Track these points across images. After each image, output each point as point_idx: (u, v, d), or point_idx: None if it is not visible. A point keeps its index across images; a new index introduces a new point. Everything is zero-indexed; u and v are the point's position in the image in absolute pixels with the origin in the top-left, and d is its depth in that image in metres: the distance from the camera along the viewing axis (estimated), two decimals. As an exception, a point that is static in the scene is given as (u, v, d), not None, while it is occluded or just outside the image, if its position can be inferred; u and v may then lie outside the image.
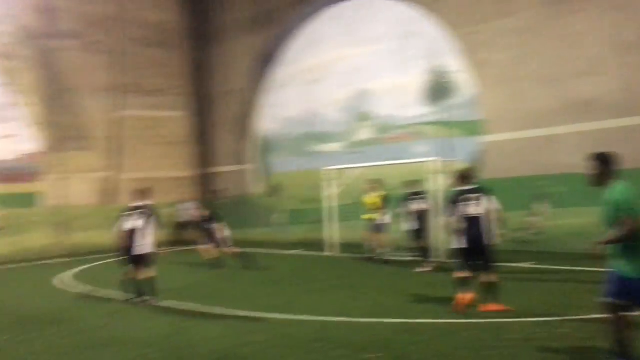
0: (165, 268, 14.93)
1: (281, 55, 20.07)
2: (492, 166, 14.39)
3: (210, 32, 22.54)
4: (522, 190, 13.82)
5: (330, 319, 7.80)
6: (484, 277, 7.80)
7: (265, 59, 20.44)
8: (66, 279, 13.16)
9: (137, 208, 9.60)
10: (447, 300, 8.09)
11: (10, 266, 16.51)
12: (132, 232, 9.42)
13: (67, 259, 17.44)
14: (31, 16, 19.00)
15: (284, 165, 20.17)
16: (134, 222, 9.44)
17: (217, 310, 8.80)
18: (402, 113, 16.64)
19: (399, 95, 16.65)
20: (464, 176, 8.16)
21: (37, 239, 18.60)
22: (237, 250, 14.18)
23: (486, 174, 13.63)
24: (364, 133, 17.78)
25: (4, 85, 18.41)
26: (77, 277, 13.60)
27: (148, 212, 9.61)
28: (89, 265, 15.74)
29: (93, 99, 20.06)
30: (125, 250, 9.52)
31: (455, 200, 7.93)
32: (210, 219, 14.28)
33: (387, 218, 13.55)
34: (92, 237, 19.27)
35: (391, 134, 16.97)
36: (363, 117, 17.73)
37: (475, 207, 7.82)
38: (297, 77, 19.55)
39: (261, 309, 8.59)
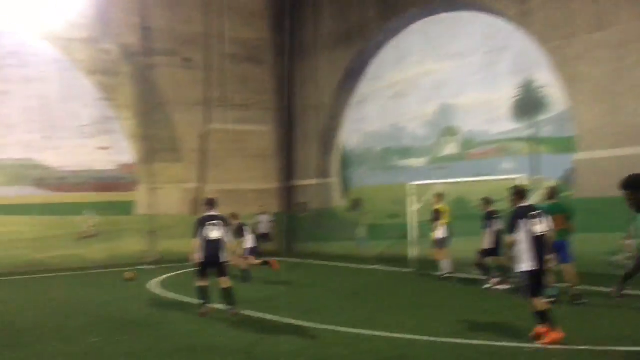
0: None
1: (366, 70, 20.15)
2: (585, 185, 13.70)
3: (297, 48, 23.03)
4: (617, 212, 13.03)
5: (412, 337, 7.65)
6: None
7: (350, 74, 20.60)
8: (155, 285, 13.71)
9: (213, 218, 9.73)
10: (527, 322, 7.70)
11: (104, 270, 17.43)
12: (215, 242, 9.60)
13: (156, 266, 18.20)
14: (130, 35, 20.17)
15: (366, 179, 20.15)
16: (217, 232, 9.61)
17: (298, 322, 8.86)
18: (489, 128, 16.21)
19: (486, 110, 16.24)
20: (522, 193, 7.74)
21: (130, 245, 19.58)
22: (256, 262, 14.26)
23: (578, 193, 12.98)
24: (449, 148, 17.46)
25: (103, 100, 19.61)
26: (165, 283, 14.14)
27: (225, 223, 9.86)
28: (176, 273, 16.34)
29: (184, 113, 20.97)
30: (208, 259, 9.64)
31: (520, 216, 7.37)
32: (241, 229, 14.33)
33: (442, 232, 13.41)
34: (179, 246, 20.02)
35: (477, 150, 16.56)
36: (448, 132, 17.43)
37: (541, 225, 7.31)
38: (381, 91, 19.55)
39: (342, 324, 8.56)
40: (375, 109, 19.78)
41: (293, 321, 8.94)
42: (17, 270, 17.07)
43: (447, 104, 17.37)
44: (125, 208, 19.74)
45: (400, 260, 15.97)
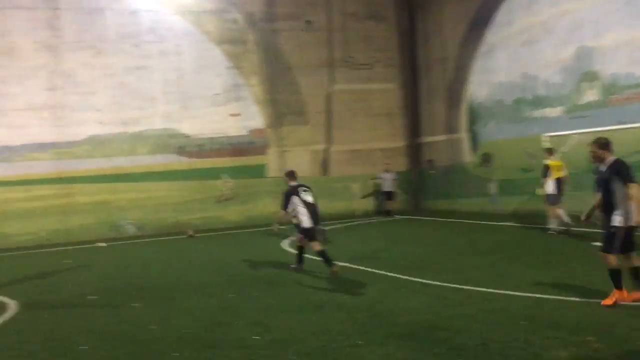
0: (370, 236, 15.44)
1: (493, 18, 19.02)
2: None
3: (419, 1, 22.29)
4: None
5: (541, 296, 7.30)
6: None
7: (477, 23, 19.59)
8: (287, 244, 14.29)
9: (302, 186, 10.24)
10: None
11: (240, 231, 18.48)
12: (314, 205, 10.06)
13: (288, 226, 18.89)
14: (253, 3, 20.68)
15: (496, 133, 19.24)
16: (311, 197, 10.13)
17: (425, 280, 8.81)
18: (634, 70, 14.66)
19: (631, 50, 14.67)
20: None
21: (264, 207, 20.49)
22: None
23: None
24: (589, 95, 16.09)
25: (232, 69, 20.43)
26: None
27: (310, 190, 10.32)
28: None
29: (309, 76, 21.27)
30: (315, 222, 10.00)
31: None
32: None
33: (552, 188, 13.09)
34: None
35: (621, 95, 15.10)
36: (587, 78, 16.03)
37: None
38: (510, 38, 18.38)
39: (468, 282, 8.39)
40: (505, 58, 18.68)
41: (419, 279, 8.90)
42: (165, 232, 18.64)
43: (586, 46, 15.92)
44: (257, 171, 20.64)
45: (535, 216, 15.21)
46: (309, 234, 10.05)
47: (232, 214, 20.26)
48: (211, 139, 20.25)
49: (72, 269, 12.17)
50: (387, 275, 9.48)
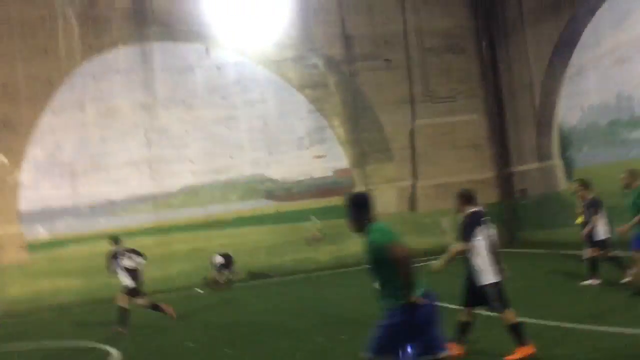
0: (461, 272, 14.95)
1: (579, 39, 18.34)
2: None
3: (499, 29, 21.90)
4: None
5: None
6: None
7: (561, 46, 18.93)
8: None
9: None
10: None
11: (330, 272, 18.53)
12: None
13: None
14: (332, 46, 21.18)
15: (591, 158, 18.28)
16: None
17: (524, 318, 8.41)
18: None
19: None
20: None
21: (354, 246, 20.46)
22: None
23: None
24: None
25: (314, 112, 20.91)
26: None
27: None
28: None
29: (391, 113, 21.31)
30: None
31: None
32: None
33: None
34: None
35: None
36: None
37: None
38: (599, 59, 17.57)
39: (566, 318, 7.92)
40: (595, 80, 17.84)
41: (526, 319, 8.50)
42: (258, 275, 19.05)
43: (684, 60, 14.96)
44: (344, 211, 20.67)
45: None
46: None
47: (323, 254, 20.39)
48: (298, 181, 20.68)
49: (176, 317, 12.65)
50: (479, 314, 9.13)
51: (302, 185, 20.69)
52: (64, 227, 18.96)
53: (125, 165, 19.45)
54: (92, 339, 10.99)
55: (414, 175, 21.42)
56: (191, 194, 19.89)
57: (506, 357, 6.42)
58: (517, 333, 6.45)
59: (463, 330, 6.80)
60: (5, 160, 18.77)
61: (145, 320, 12.27)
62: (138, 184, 19.48)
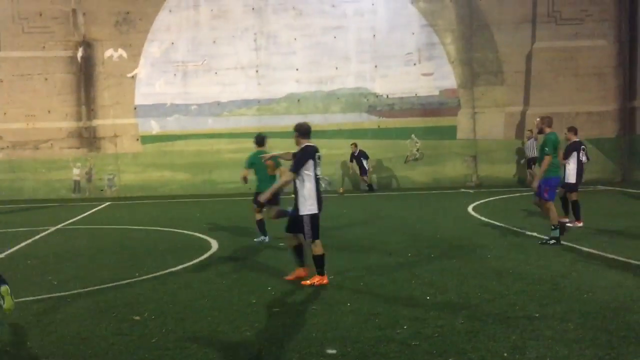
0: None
1: None
2: None
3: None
4: None
5: None
6: None
7: None
8: (473, 208, 13.90)
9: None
10: None
11: (427, 192, 18.38)
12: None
13: (476, 190, 18.39)
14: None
15: None
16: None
17: (619, 257, 7.99)
18: None
19: None
20: None
21: (452, 169, 20.15)
22: None
23: None
24: None
25: (427, 27, 20.02)
26: (483, 207, 14.21)
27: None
28: (497, 197, 16.23)
29: (508, 33, 20.02)
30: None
31: None
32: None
33: None
34: (501, 171, 19.89)
35: None
36: None
37: None
38: None
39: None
40: None
41: (615, 256, 8.09)
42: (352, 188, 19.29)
43: None
44: (447, 132, 20.20)
45: None
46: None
47: (420, 174, 20.21)
48: (401, 98, 20.23)
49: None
50: (576, 249, 8.77)
51: (406, 103, 20.25)
52: (173, 123, 19.94)
53: (233, 69, 19.85)
54: (195, 230, 11.73)
55: (526, 101, 20.29)
56: (294, 101, 20.08)
57: (303, 282, 7.01)
58: (320, 264, 7.02)
59: (298, 252, 7.28)
60: (125, 55, 19.72)
61: (248, 216, 12.85)
62: (244, 88, 19.91)
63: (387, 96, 20.20)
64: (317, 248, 7.02)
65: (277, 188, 7.46)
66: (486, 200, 15.78)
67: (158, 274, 7.84)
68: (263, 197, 7.51)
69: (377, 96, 20.23)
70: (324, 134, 20.05)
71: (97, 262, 8.79)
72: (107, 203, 17.75)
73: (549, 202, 9.21)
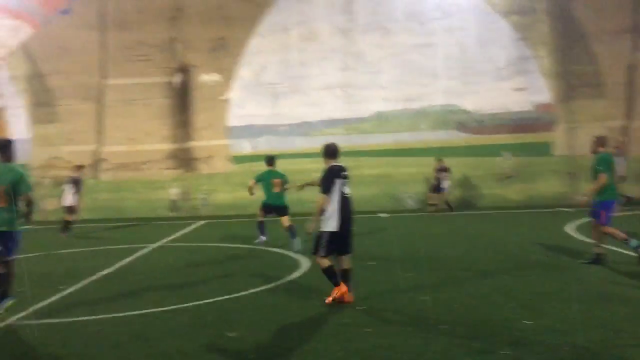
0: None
1: None
2: None
3: None
4: None
5: None
6: None
7: None
8: (573, 228, 13.23)
9: None
10: None
11: (520, 211, 17.68)
12: None
13: (576, 209, 17.45)
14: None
15: None
16: None
17: None
18: None
19: None
20: None
21: (548, 187, 19.28)
22: None
23: None
24: None
25: (519, 40, 19.44)
26: (584, 227, 13.48)
27: None
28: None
29: (607, 44, 19.04)
30: None
31: None
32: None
33: None
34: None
35: None
36: None
37: None
38: None
39: None
40: None
41: None
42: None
43: None
44: (542, 149, 19.40)
45: None
46: None
47: (513, 193, 19.49)
48: (492, 114, 19.70)
49: (357, 236, 13.17)
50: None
51: (497, 119, 19.69)
52: (264, 144, 20.47)
53: (321, 89, 20.16)
54: (286, 249, 11.92)
55: (629, 115, 19.15)
56: (382, 120, 20.07)
57: (326, 301, 7.02)
58: (330, 275, 7.08)
59: (343, 275, 7.22)
60: (218, 79, 20.54)
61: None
62: (332, 108, 20.14)
63: (478, 112, 19.74)
64: (323, 262, 7.11)
65: (317, 214, 7.26)
66: (587, 220, 14.93)
67: (251, 291, 8.01)
68: (310, 228, 7.34)
69: (466, 113, 19.82)
70: (411, 151, 19.93)
71: (194, 278, 9.12)
72: (203, 222, 18.40)
73: (605, 226, 8.81)
